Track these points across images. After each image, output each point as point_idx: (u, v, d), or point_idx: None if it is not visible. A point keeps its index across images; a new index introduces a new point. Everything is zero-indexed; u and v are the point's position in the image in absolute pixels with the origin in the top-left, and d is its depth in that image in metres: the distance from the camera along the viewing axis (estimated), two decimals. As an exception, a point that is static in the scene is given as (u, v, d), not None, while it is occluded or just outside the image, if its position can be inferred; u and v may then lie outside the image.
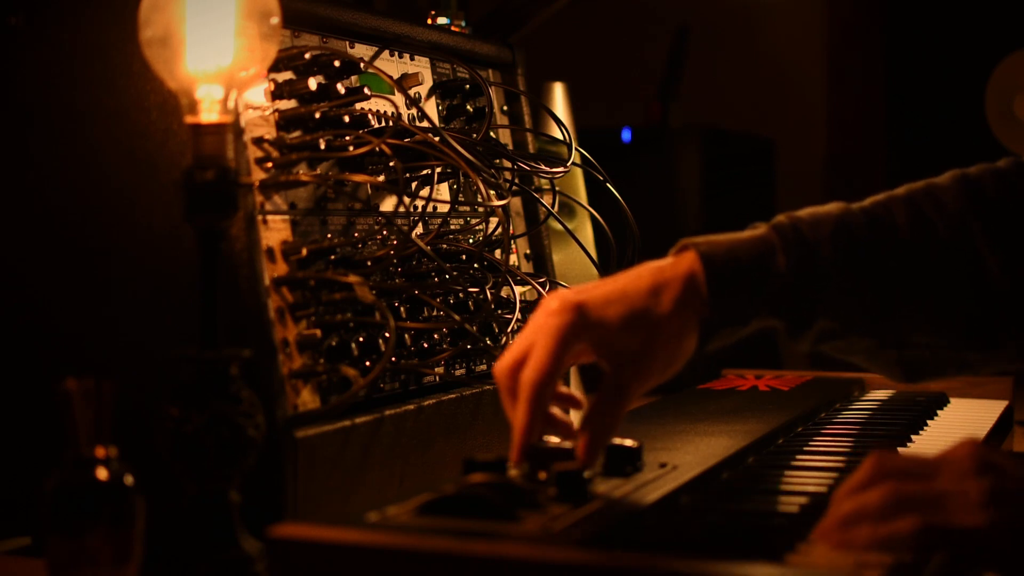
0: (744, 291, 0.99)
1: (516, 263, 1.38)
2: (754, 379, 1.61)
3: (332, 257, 1.06)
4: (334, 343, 1.04)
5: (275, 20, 0.93)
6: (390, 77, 1.20)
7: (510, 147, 1.39)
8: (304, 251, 1.04)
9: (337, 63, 1.13)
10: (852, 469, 0.87)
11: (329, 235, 1.09)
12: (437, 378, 1.16)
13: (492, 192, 1.27)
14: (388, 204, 1.18)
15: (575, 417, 1.00)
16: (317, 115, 1.08)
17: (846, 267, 1.01)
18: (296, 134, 1.08)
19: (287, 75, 1.10)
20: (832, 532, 0.81)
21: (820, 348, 1.03)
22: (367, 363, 1.05)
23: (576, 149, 1.35)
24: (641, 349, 0.95)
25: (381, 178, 1.14)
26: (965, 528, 0.77)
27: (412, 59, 1.29)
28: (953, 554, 0.79)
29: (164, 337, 0.98)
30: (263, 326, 0.98)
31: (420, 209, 1.20)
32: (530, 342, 0.94)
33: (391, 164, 1.14)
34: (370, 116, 1.13)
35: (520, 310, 1.24)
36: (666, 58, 3.24)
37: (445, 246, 1.21)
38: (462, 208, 1.29)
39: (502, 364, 0.96)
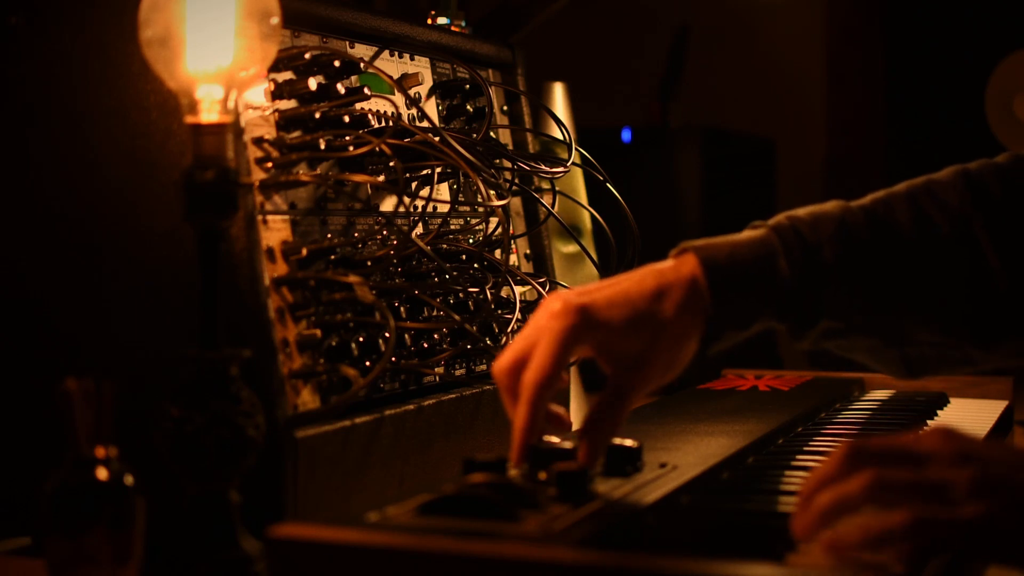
0: (747, 295, 0.98)
1: (516, 263, 1.38)
2: (754, 379, 1.61)
3: (332, 257, 1.06)
4: (334, 343, 1.04)
5: (275, 20, 0.93)
6: (390, 77, 1.19)
7: (510, 147, 1.39)
8: (304, 251, 1.04)
9: (337, 63, 1.13)
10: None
11: (329, 235, 1.09)
12: (437, 378, 1.16)
13: (492, 192, 1.27)
14: (388, 204, 1.18)
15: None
16: (317, 115, 1.08)
17: (848, 268, 1.01)
18: (296, 134, 1.08)
19: (287, 75, 1.10)
20: (811, 526, 0.80)
21: (822, 346, 1.03)
22: (367, 363, 1.05)
23: (576, 149, 1.35)
24: (643, 353, 0.95)
25: (381, 178, 1.14)
26: (957, 521, 0.76)
27: (412, 59, 1.29)
28: (945, 548, 0.78)
29: (164, 337, 0.98)
30: (263, 326, 0.98)
31: (420, 209, 1.20)
32: (531, 343, 0.94)
33: (391, 164, 1.14)
34: (370, 116, 1.13)
35: (520, 310, 1.24)
36: (666, 58, 3.24)
37: (445, 246, 1.21)
38: (462, 208, 1.29)
39: (501, 363, 0.95)
